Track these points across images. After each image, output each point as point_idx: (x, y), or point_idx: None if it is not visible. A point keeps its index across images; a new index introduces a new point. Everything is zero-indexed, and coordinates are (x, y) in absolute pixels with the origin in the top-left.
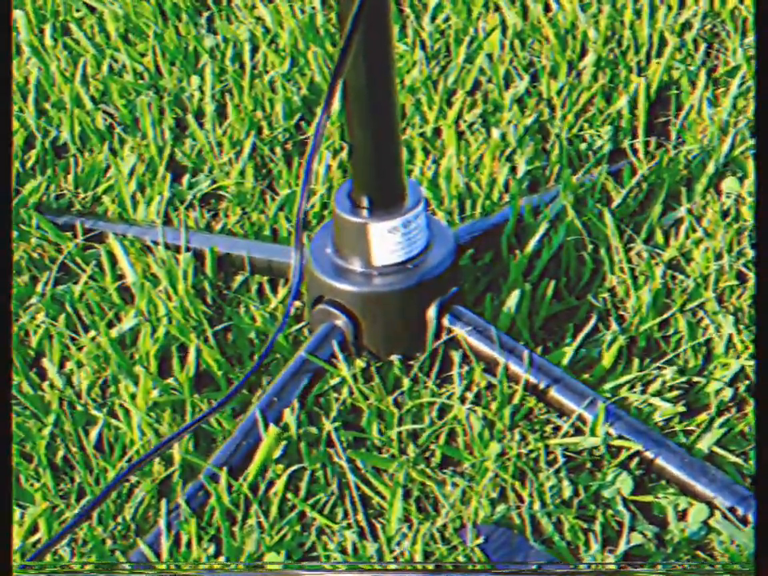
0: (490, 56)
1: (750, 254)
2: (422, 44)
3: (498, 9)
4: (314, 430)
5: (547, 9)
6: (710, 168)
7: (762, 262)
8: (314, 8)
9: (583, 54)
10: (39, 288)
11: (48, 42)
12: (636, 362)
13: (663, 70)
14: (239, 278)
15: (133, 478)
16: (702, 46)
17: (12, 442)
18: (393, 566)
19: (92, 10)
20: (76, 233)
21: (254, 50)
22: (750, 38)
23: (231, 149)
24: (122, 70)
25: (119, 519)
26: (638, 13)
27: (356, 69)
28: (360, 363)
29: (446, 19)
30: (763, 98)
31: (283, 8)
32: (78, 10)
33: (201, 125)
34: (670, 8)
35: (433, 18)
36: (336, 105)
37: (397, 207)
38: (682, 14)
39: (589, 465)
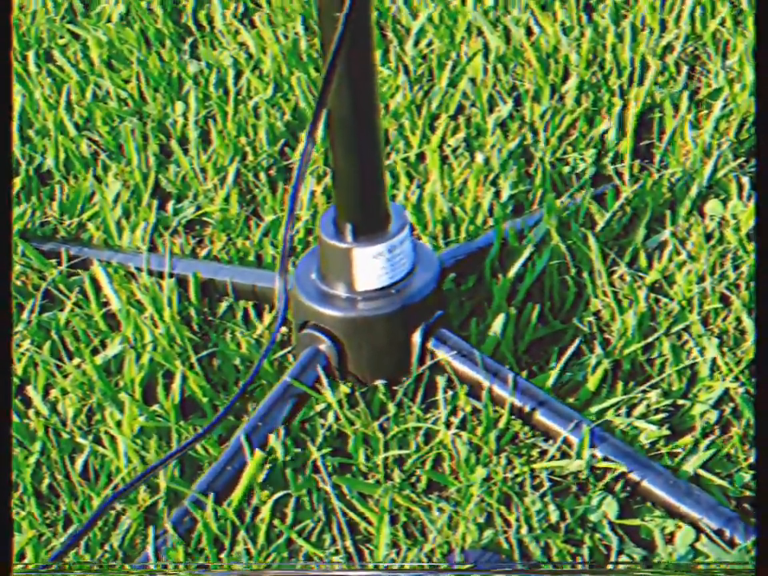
0: (473, 80)
1: (732, 276)
2: (405, 69)
3: (480, 33)
4: (299, 455)
5: (530, 33)
6: (694, 190)
7: (763, 264)
8: (297, 33)
9: (566, 77)
10: (24, 315)
11: (32, 68)
12: (621, 385)
13: (646, 93)
14: (224, 304)
15: (119, 506)
16: (684, 69)
17: (11, 443)
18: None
19: (76, 36)
20: (60, 260)
21: (238, 75)
22: (732, 60)
23: (215, 175)
24: (105, 97)
25: (106, 547)
26: (619, 36)
27: (339, 94)
28: (345, 389)
29: (429, 44)
30: (763, 99)
31: (266, 33)
32: (61, 37)
33: (185, 151)
34: (651, 31)
35: (416, 43)
36: (320, 131)
37: (381, 232)
38: (663, 37)
39: (574, 488)
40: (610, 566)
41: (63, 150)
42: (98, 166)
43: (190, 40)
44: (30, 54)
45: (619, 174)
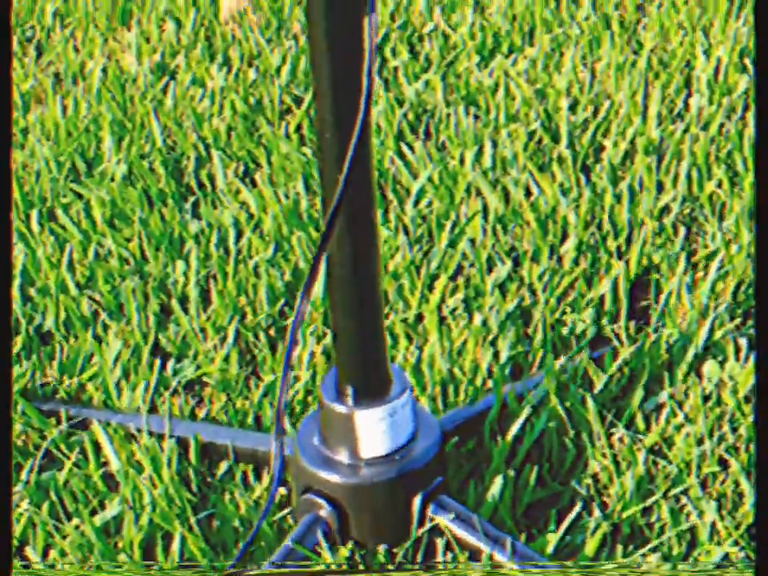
0: (472, 241)
1: (731, 438)
2: (405, 229)
3: (479, 193)
4: None
5: (528, 193)
6: (691, 352)
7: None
8: (298, 193)
9: (564, 238)
10: (23, 475)
11: (35, 227)
12: (620, 548)
13: (643, 255)
14: (224, 465)
15: None
16: (681, 230)
17: (11, 443)
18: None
19: (79, 196)
20: (60, 419)
21: (239, 235)
22: (729, 222)
23: (215, 334)
24: (107, 256)
25: None
26: (617, 197)
27: (340, 254)
28: (344, 552)
29: (429, 204)
30: (764, 104)
31: (267, 193)
32: (64, 196)
33: (185, 310)
34: (649, 192)
35: (415, 203)
36: (319, 290)
37: (383, 396)
38: (660, 198)
39: None
40: (609, 566)
41: (64, 310)
42: (98, 325)
43: (191, 199)
44: (33, 213)
45: (617, 335)
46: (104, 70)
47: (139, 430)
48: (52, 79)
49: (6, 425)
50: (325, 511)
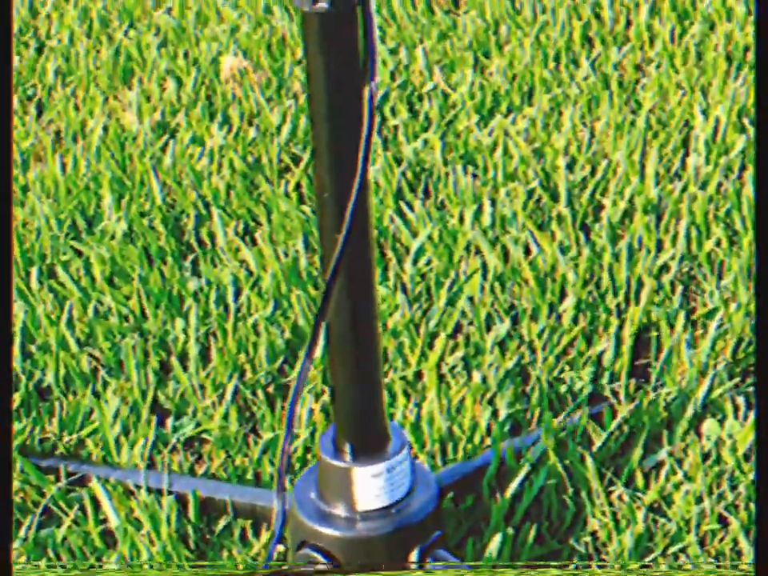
0: (471, 299)
1: (730, 496)
2: (404, 287)
3: (478, 252)
4: None
5: (527, 252)
6: (690, 410)
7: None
8: (297, 251)
9: (563, 296)
10: (22, 532)
11: (34, 285)
12: None
13: (642, 313)
14: (222, 522)
15: None
16: (680, 289)
17: (12, 443)
18: None
19: (78, 253)
20: (59, 476)
21: (238, 292)
22: (727, 280)
23: (214, 392)
24: (107, 313)
25: None
26: (616, 256)
27: (339, 312)
28: None
29: (428, 262)
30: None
31: (267, 251)
32: (64, 254)
33: (185, 368)
34: (647, 251)
35: (415, 262)
36: (319, 349)
37: (380, 452)
38: (659, 256)
39: None
40: (608, 566)
41: (63, 366)
42: (98, 382)
43: (191, 257)
44: (33, 271)
45: (615, 393)
46: (104, 129)
47: (138, 487)
48: (52, 137)
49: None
50: (323, 566)
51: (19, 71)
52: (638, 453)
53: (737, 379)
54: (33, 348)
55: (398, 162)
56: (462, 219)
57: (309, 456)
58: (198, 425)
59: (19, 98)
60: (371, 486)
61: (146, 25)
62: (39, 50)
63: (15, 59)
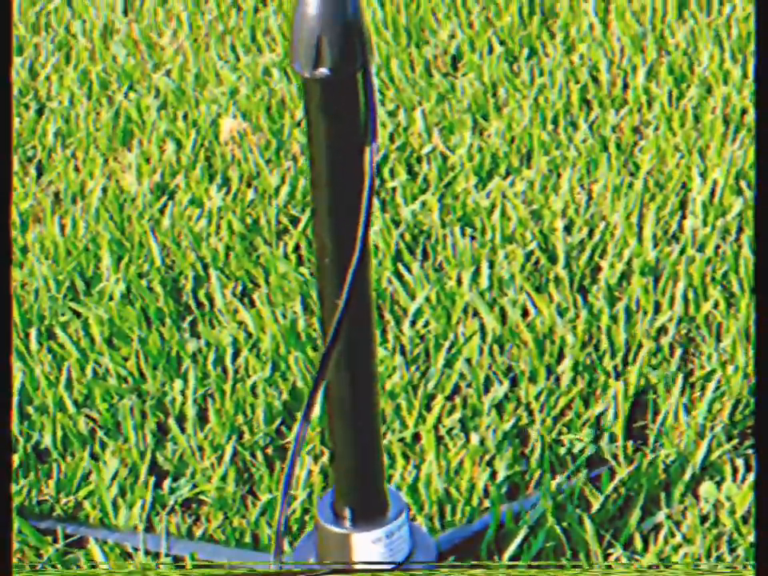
0: (469, 361)
1: (728, 559)
2: (402, 349)
3: (476, 314)
4: None
5: (525, 314)
6: (688, 473)
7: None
8: (295, 313)
9: (561, 358)
10: None
11: (33, 346)
12: None
13: (640, 375)
14: None
15: None
16: (678, 351)
17: (11, 442)
18: None
19: (77, 314)
20: (57, 537)
21: (236, 354)
22: (725, 342)
23: (212, 453)
24: (105, 374)
25: None
26: (614, 318)
27: (338, 374)
28: None
29: (426, 324)
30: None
31: (265, 313)
32: (63, 315)
33: (182, 429)
34: (645, 313)
35: (413, 323)
36: (317, 410)
37: (379, 517)
38: (657, 318)
39: None
40: (608, 566)
41: (61, 428)
42: (96, 443)
43: (189, 318)
44: (32, 332)
45: (614, 455)
46: (104, 190)
47: (136, 549)
48: (51, 198)
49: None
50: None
51: (19, 132)
52: (636, 515)
53: (735, 441)
54: (31, 409)
55: (397, 223)
56: (459, 281)
57: (306, 518)
58: (196, 486)
59: (19, 160)
60: (370, 552)
61: (145, 87)
62: (39, 112)
63: (15, 121)
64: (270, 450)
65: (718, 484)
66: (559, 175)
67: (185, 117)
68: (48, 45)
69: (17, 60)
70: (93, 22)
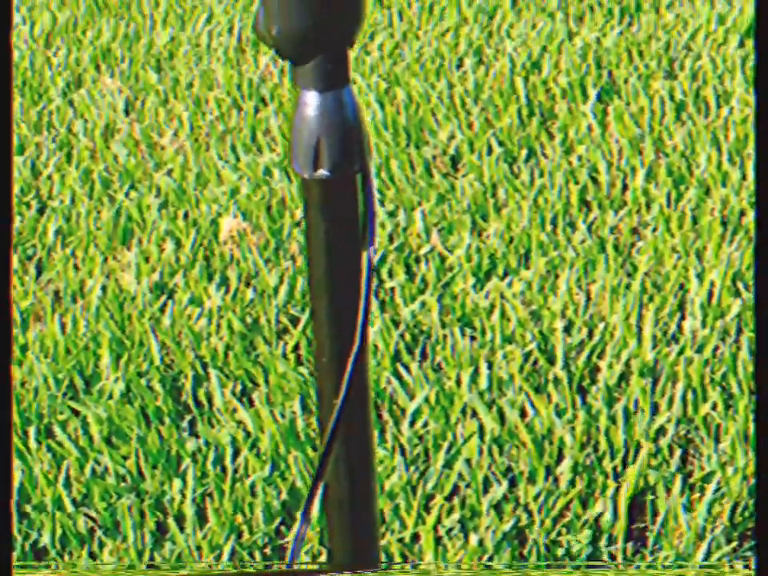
0: (468, 461)
1: None
2: (402, 449)
3: (475, 414)
4: None
5: (524, 414)
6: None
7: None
8: (294, 413)
9: (560, 459)
10: None
11: (32, 444)
12: None
13: (639, 476)
14: None
15: None
16: (677, 452)
17: (11, 441)
18: None
19: (76, 413)
20: None
21: (236, 453)
22: (724, 444)
23: (211, 552)
24: (104, 473)
25: None
26: (613, 419)
27: (336, 474)
28: None
29: (425, 424)
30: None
31: (264, 412)
32: (62, 413)
33: (181, 528)
34: (644, 414)
35: (412, 424)
36: (316, 510)
37: None
38: (656, 420)
39: None
40: (608, 565)
41: (60, 526)
42: (94, 542)
43: (189, 418)
44: (31, 430)
45: (613, 557)
46: (103, 289)
47: None
48: (51, 297)
49: None
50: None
51: (20, 231)
52: None
53: (734, 543)
54: (29, 508)
55: (396, 324)
56: (458, 381)
57: None
58: None
59: (19, 258)
60: None
61: (146, 186)
62: (41, 211)
63: (16, 219)
64: (268, 550)
65: None
66: (557, 276)
67: (185, 216)
68: (50, 144)
69: (19, 159)
70: (94, 122)
